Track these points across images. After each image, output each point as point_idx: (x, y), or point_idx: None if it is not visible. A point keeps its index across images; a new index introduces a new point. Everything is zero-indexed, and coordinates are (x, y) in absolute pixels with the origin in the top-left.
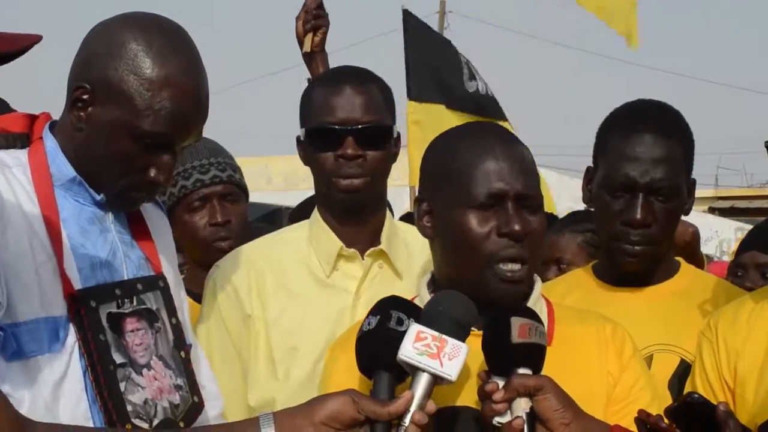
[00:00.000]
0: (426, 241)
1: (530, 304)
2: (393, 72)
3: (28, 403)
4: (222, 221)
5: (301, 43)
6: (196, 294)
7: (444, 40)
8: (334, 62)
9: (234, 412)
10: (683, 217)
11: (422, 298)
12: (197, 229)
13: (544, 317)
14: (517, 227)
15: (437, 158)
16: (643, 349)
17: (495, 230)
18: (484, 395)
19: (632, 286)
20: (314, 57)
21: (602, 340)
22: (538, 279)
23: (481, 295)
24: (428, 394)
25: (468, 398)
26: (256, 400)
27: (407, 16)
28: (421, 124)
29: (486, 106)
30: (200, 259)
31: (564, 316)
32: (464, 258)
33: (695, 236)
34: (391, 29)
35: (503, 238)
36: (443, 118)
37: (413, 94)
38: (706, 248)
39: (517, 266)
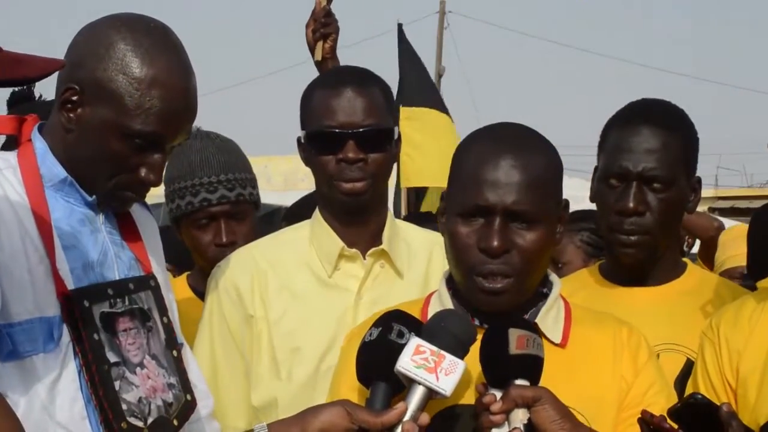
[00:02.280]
0: (426, 240)
1: (548, 305)
2: (392, 71)
3: (24, 403)
4: (227, 242)
5: (312, 51)
6: (200, 292)
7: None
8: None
9: (237, 412)
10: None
11: (440, 294)
12: (203, 245)
13: (561, 318)
14: (495, 243)
15: (453, 160)
16: None
17: (477, 243)
18: (482, 407)
19: (638, 284)
20: (326, 64)
21: (618, 343)
22: (556, 280)
23: (469, 300)
24: (422, 407)
25: (468, 397)
26: (259, 400)
27: (401, 31)
28: (412, 128)
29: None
30: (205, 269)
31: (581, 317)
32: (454, 265)
33: (719, 230)
34: (394, 27)
35: (483, 253)
36: (437, 121)
37: (405, 100)
38: None
39: (497, 280)
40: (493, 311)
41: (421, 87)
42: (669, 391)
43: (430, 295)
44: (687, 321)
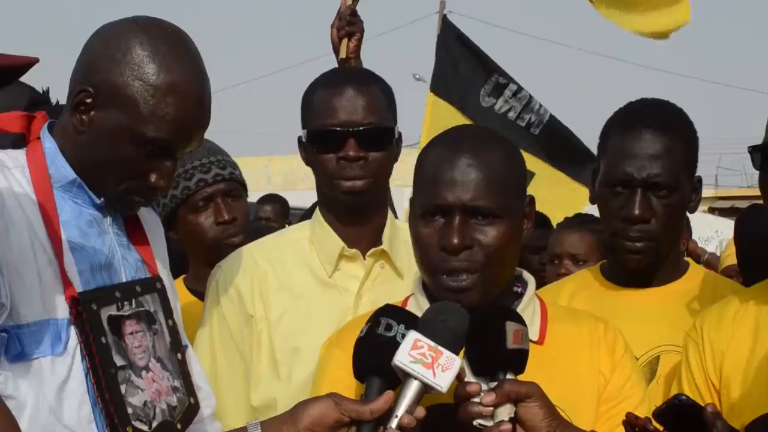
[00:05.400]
0: None
1: (523, 303)
2: (396, 67)
3: (31, 405)
4: (229, 219)
5: (336, 51)
6: (200, 293)
7: (479, 53)
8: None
9: (237, 412)
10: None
11: (416, 297)
12: (204, 229)
13: (537, 316)
14: (455, 241)
15: (415, 165)
16: (650, 349)
17: (438, 243)
18: (466, 395)
19: (640, 285)
20: (349, 63)
21: (594, 339)
22: (530, 279)
23: (439, 300)
24: (417, 401)
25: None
26: (259, 400)
27: (446, 22)
28: (434, 116)
29: (503, 128)
30: (209, 259)
31: (557, 315)
32: (419, 265)
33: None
34: (393, 27)
35: (444, 251)
36: (455, 120)
37: (433, 87)
38: (707, 248)
39: (463, 277)
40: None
41: (454, 82)
42: (645, 384)
43: (407, 298)
44: (688, 322)
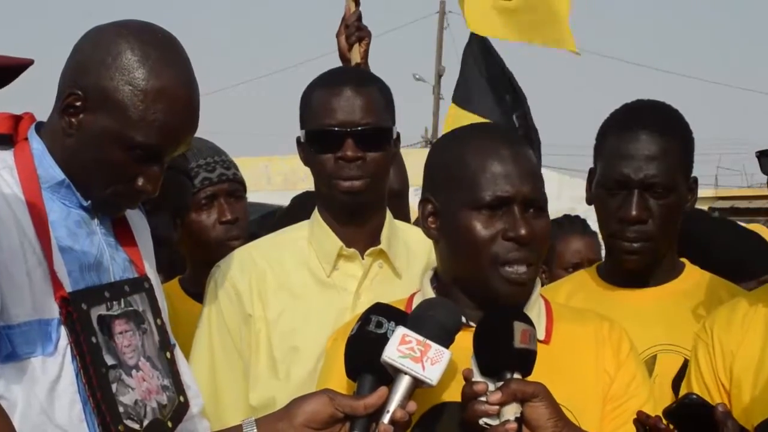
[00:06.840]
0: (425, 241)
1: (530, 303)
2: (396, 67)
3: (22, 405)
4: (232, 219)
5: (344, 59)
6: (197, 294)
7: (501, 67)
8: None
9: (235, 411)
10: None
11: (425, 293)
12: (206, 228)
13: (542, 316)
14: (523, 231)
15: (444, 160)
16: (647, 349)
17: (501, 234)
18: (472, 394)
19: (636, 286)
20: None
21: (599, 338)
22: (537, 280)
23: (485, 294)
24: (409, 396)
25: (455, 394)
26: (258, 399)
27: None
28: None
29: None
30: (208, 259)
31: (562, 315)
32: (470, 259)
33: None
34: (393, 27)
35: (510, 242)
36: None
37: (457, 99)
38: None
39: (522, 268)
40: (510, 303)
41: (479, 92)
42: (650, 383)
43: (413, 294)
44: (685, 322)
